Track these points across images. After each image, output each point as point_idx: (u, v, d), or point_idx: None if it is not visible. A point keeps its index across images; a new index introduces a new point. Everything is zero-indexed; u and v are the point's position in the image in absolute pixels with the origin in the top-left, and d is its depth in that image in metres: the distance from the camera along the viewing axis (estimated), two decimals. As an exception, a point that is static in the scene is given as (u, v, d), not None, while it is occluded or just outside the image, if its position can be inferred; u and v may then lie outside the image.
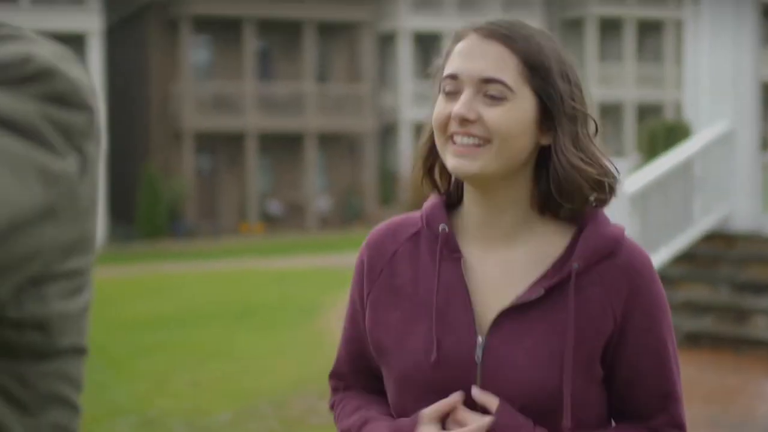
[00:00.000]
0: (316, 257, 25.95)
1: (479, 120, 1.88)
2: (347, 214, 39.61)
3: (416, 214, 2.07)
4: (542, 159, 1.98)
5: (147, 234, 35.57)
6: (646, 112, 47.83)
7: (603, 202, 1.97)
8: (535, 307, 1.92)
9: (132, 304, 16.92)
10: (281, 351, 12.17)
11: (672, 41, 48.03)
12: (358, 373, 2.17)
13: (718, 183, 11.97)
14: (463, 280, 1.95)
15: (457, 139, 1.90)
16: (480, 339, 1.93)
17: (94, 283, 1.44)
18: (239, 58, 38.22)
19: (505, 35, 1.91)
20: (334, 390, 2.23)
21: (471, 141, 1.89)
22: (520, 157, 1.93)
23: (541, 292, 1.92)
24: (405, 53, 42.84)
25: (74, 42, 35.27)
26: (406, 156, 40.95)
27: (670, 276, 11.23)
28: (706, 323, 10.90)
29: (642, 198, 10.71)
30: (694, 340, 10.63)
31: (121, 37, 39.92)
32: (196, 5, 37.26)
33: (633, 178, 10.75)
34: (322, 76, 40.31)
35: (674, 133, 12.75)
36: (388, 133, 43.89)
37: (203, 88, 37.76)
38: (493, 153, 1.89)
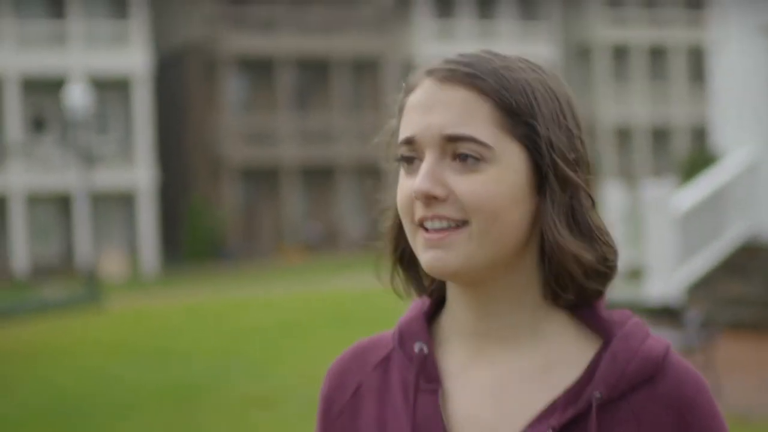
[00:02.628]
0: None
1: (450, 196, 1.33)
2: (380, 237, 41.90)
3: (389, 332, 1.53)
4: None
5: (194, 259, 37.94)
6: (657, 133, 50.05)
7: (598, 294, 1.41)
8: None
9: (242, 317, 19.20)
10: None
11: (682, 63, 50.27)
12: None
13: (746, 203, 14.22)
14: (441, 421, 1.40)
15: (427, 224, 1.35)
16: None
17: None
18: (274, 93, 40.67)
19: (469, 74, 1.35)
20: None
21: (443, 225, 1.34)
22: (515, 237, 1.36)
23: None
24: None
25: (121, 84, 37.68)
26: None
27: (711, 280, 13.48)
28: (743, 313, 13.14)
29: (687, 217, 13.01)
30: (734, 326, 12.87)
31: (164, 76, 42.28)
32: (233, 44, 39.71)
33: (678, 200, 13.05)
34: (352, 107, 42.72)
35: (707, 159, 15.03)
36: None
37: (242, 123, 40.20)
38: (476, 239, 1.33)
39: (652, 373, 1.36)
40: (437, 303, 1.48)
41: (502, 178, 1.33)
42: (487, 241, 1.33)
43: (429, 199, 1.33)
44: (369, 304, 19.91)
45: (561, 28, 48.82)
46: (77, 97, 26.27)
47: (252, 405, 10.93)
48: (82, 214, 33.82)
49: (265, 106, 41.03)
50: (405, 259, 1.46)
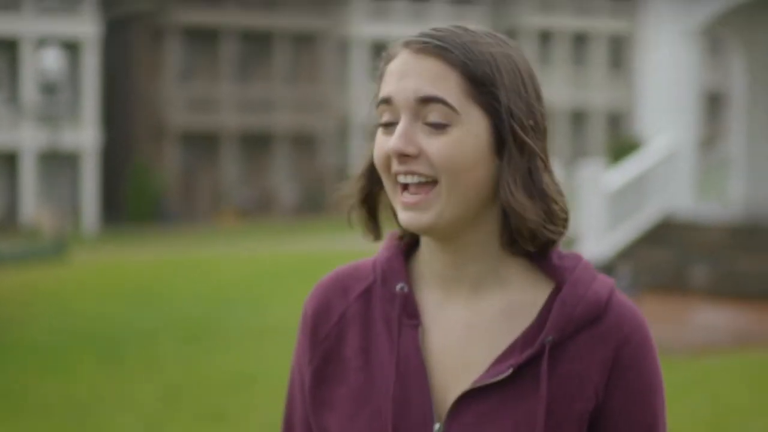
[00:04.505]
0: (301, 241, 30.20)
1: (421, 154, 1.50)
2: (312, 205, 43.94)
3: (367, 263, 1.67)
4: None
5: (135, 219, 39.59)
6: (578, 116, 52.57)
7: (552, 243, 1.57)
8: (501, 387, 1.52)
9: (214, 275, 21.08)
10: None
11: (603, 51, 52.79)
12: None
13: (665, 184, 16.48)
14: (420, 354, 1.56)
15: (400, 178, 1.52)
16: (437, 426, 1.55)
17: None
18: (217, 63, 42.39)
19: (440, 47, 1.52)
20: None
21: (415, 180, 1.51)
22: (480, 193, 1.52)
23: (508, 371, 1.53)
24: (359, 59, 47.24)
25: (72, 47, 39.04)
26: (359, 152, 45.26)
27: (634, 248, 15.76)
28: (659, 277, 15.45)
29: (615, 194, 15.28)
30: (652, 288, 15.18)
31: (110, 41, 43.63)
32: (179, 15, 41.29)
33: (608, 179, 15.29)
34: (290, 80, 44.56)
35: (633, 145, 17.31)
36: (346, 131, 48.26)
37: (185, 90, 41.84)
38: (444, 195, 1.50)
39: (597, 315, 1.53)
40: (408, 245, 1.64)
41: (466, 140, 1.49)
42: (455, 199, 1.50)
43: (402, 157, 1.49)
44: (318, 263, 21.88)
45: (491, 13, 50.90)
46: (51, 60, 27.70)
47: (261, 335, 12.96)
48: (28, 171, 35.28)
49: (207, 75, 42.71)
50: (368, 203, 1.62)
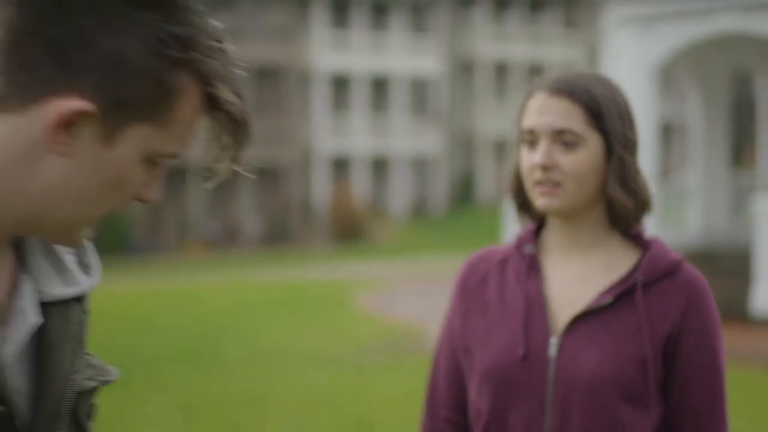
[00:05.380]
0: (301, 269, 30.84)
1: (556, 166, 2.17)
2: (277, 236, 44.64)
3: (504, 245, 2.37)
4: None
5: (104, 251, 40.17)
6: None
7: (638, 222, 2.25)
8: (604, 312, 2.18)
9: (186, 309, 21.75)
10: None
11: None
12: (453, 398, 2.34)
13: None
14: (542, 294, 2.23)
15: (541, 185, 2.20)
16: (554, 339, 2.19)
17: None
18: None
19: (569, 91, 2.18)
20: (430, 422, 2.38)
21: (551, 182, 2.18)
22: (592, 190, 2.20)
23: (610, 299, 2.18)
24: (320, 91, 48.00)
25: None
26: (322, 184, 46.17)
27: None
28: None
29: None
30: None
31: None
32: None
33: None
34: (254, 112, 45.25)
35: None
36: (308, 163, 48.98)
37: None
38: (570, 192, 2.18)
39: (673, 269, 2.19)
40: (539, 227, 2.32)
41: (588, 156, 2.18)
42: (576, 194, 2.18)
43: (544, 168, 2.17)
44: (291, 292, 22.56)
45: (448, 42, 51.68)
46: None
47: (259, 360, 13.71)
48: None
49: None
50: (519, 201, 2.30)
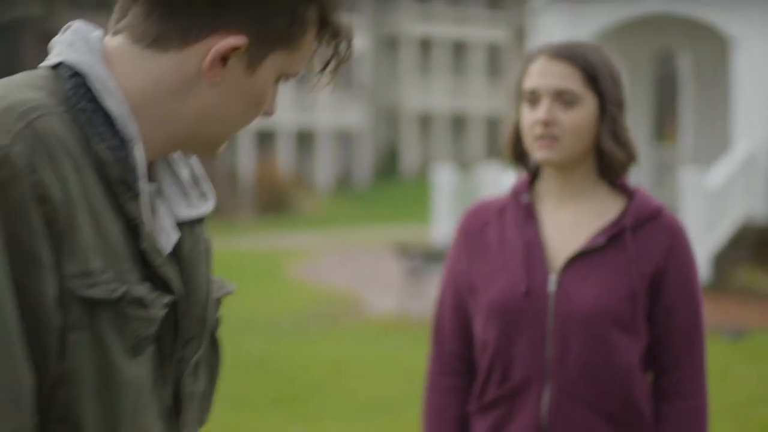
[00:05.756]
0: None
1: (556, 122, 2.43)
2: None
3: (500, 197, 2.60)
4: None
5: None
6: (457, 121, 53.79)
7: (625, 172, 2.53)
8: (597, 253, 2.46)
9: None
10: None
11: (480, 59, 54.13)
12: (458, 333, 2.58)
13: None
14: (539, 238, 2.48)
15: (542, 139, 2.45)
16: (553, 277, 2.45)
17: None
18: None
19: (568, 56, 2.45)
20: (438, 356, 2.60)
21: (551, 137, 2.43)
22: (587, 146, 2.48)
23: (603, 241, 2.46)
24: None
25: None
26: (247, 157, 46.03)
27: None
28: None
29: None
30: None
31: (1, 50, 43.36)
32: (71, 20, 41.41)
33: (507, 180, 16.44)
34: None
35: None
36: (233, 137, 48.67)
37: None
38: (568, 145, 2.44)
39: (656, 214, 2.48)
40: (533, 177, 2.56)
41: (585, 114, 2.45)
42: (573, 148, 2.45)
43: (545, 124, 2.42)
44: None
45: (372, 21, 51.72)
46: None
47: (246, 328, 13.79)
48: None
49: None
50: (516, 153, 2.54)
